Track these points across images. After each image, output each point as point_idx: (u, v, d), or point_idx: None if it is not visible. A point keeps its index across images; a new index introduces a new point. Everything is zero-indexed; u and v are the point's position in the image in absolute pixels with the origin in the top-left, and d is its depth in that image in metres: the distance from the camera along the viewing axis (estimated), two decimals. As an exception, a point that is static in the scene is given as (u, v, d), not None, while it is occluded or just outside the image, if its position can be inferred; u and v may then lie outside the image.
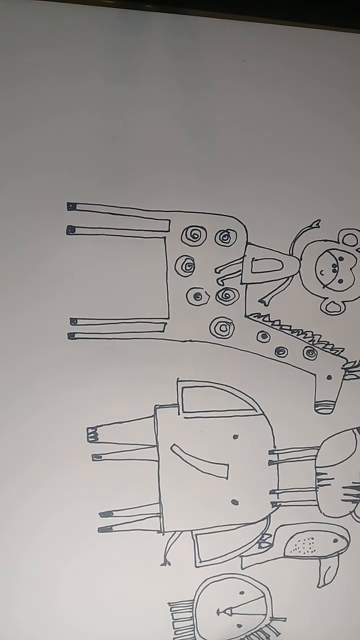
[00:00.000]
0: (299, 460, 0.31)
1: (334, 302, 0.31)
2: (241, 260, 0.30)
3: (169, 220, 0.29)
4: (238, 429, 0.30)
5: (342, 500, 0.32)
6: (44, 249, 0.28)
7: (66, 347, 0.28)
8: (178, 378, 0.29)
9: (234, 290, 0.30)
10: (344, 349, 0.31)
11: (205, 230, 0.29)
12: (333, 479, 0.31)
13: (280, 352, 0.31)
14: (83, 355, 0.28)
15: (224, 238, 0.30)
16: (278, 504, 0.31)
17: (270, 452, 0.31)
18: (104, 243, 0.28)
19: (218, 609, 0.31)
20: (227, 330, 0.30)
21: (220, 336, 0.30)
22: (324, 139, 0.30)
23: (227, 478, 0.30)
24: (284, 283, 0.31)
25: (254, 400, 0.30)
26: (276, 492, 0.31)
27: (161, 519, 0.29)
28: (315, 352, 0.31)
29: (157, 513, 0.29)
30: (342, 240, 0.31)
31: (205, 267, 0.30)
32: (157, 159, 0.28)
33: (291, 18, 0.28)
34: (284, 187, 0.30)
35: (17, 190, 0.27)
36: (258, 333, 0.30)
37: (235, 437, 0.30)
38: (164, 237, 0.29)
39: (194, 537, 0.30)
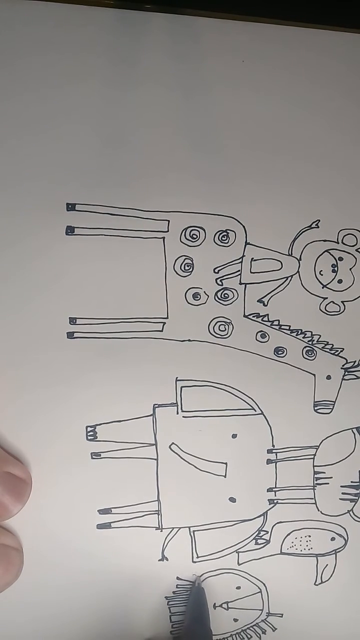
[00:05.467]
0: (297, 459, 0.31)
1: (333, 302, 0.31)
2: (240, 260, 0.30)
3: (168, 221, 0.29)
4: (237, 428, 0.30)
5: (340, 499, 0.32)
6: (44, 249, 0.28)
7: (65, 346, 0.28)
8: (177, 377, 0.30)
9: (233, 290, 0.30)
10: (343, 349, 0.31)
11: (204, 230, 0.29)
12: (331, 477, 0.31)
13: (280, 352, 0.31)
14: (82, 354, 0.28)
15: (223, 238, 0.30)
16: (275, 501, 0.31)
17: (269, 451, 0.31)
18: (103, 243, 0.29)
19: (214, 603, 0.31)
20: (226, 330, 0.30)
21: (219, 336, 0.30)
22: (324, 139, 0.30)
23: (225, 476, 0.30)
24: (283, 283, 0.31)
25: (252, 400, 0.30)
26: (274, 489, 0.31)
27: (159, 516, 0.30)
28: (315, 352, 0.31)
29: (156, 510, 0.30)
30: (342, 240, 0.31)
31: (204, 267, 0.30)
32: (156, 160, 0.29)
33: (291, 18, 0.28)
34: (283, 188, 0.30)
35: (17, 191, 0.27)
36: (257, 333, 0.30)
37: (234, 436, 0.30)
38: (163, 238, 0.29)
39: (192, 534, 0.30)
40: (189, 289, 0.30)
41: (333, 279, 0.31)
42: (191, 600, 0.30)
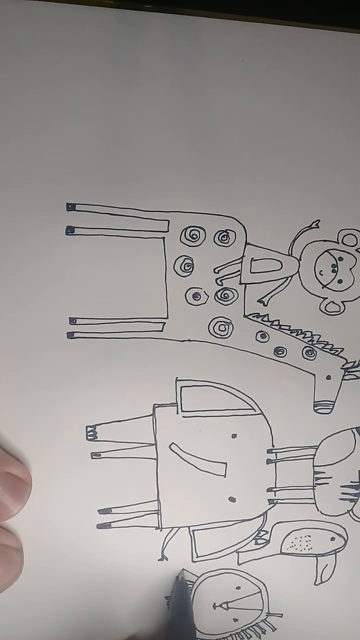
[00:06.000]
0: (297, 459, 0.31)
1: (333, 302, 0.31)
2: (240, 260, 0.30)
3: (168, 221, 0.29)
4: (237, 428, 0.30)
5: (340, 499, 0.32)
6: (44, 249, 0.28)
7: (65, 346, 0.28)
8: (177, 377, 0.30)
9: (233, 290, 0.30)
10: (343, 349, 0.31)
11: (204, 230, 0.29)
12: (331, 477, 0.31)
13: (280, 352, 0.31)
14: (82, 354, 0.28)
15: (223, 238, 0.30)
16: (275, 501, 0.31)
17: (269, 451, 0.31)
18: (103, 243, 0.29)
19: (214, 603, 0.31)
20: (226, 330, 0.30)
21: (219, 336, 0.30)
22: (324, 139, 0.30)
23: (225, 476, 0.30)
24: (283, 283, 0.31)
25: (252, 400, 0.30)
26: (273, 489, 0.31)
27: (159, 515, 0.30)
28: (315, 352, 0.31)
29: (156, 510, 0.30)
30: (342, 240, 0.31)
31: (204, 267, 0.30)
32: (156, 160, 0.29)
33: (291, 18, 0.28)
34: (283, 188, 0.30)
35: (17, 191, 0.27)
36: (257, 333, 0.31)
37: (233, 436, 0.30)
38: (163, 238, 0.29)
39: (191, 533, 0.30)
40: (189, 289, 0.30)
41: (333, 279, 0.31)
42: (174, 595, 0.30)
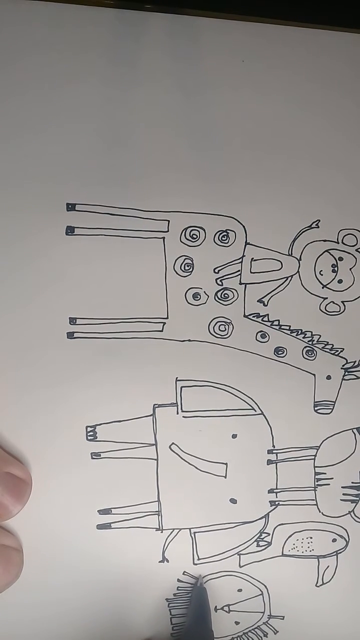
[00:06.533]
0: (297, 460, 0.31)
1: (333, 302, 0.31)
2: (240, 260, 0.30)
3: (168, 221, 0.29)
4: (237, 429, 0.30)
5: (341, 500, 0.32)
6: (44, 249, 0.28)
7: (65, 346, 0.28)
8: (177, 377, 0.30)
9: (233, 290, 0.30)
10: (343, 349, 0.31)
11: (204, 230, 0.29)
12: (332, 478, 0.31)
13: (280, 352, 0.31)
14: (82, 355, 0.28)
15: (223, 238, 0.30)
16: (276, 503, 0.31)
17: (269, 452, 0.31)
18: (103, 243, 0.29)
19: (216, 606, 0.31)
20: (226, 330, 0.30)
21: (219, 336, 0.30)
22: (324, 139, 0.30)
23: (225, 477, 0.30)
24: (283, 283, 0.31)
25: (253, 400, 0.30)
26: (274, 491, 0.31)
27: (160, 516, 0.29)
28: (315, 352, 0.31)
29: (156, 511, 0.29)
30: (342, 240, 0.31)
31: (204, 267, 0.30)
32: (156, 160, 0.29)
33: (291, 18, 0.28)
34: (283, 188, 0.30)
35: (17, 191, 0.28)
36: (257, 333, 0.30)
37: (234, 436, 0.30)
38: (163, 238, 0.29)
39: (192, 535, 0.30)
40: (189, 289, 0.30)
41: (333, 279, 0.31)
42: (193, 601, 0.29)
